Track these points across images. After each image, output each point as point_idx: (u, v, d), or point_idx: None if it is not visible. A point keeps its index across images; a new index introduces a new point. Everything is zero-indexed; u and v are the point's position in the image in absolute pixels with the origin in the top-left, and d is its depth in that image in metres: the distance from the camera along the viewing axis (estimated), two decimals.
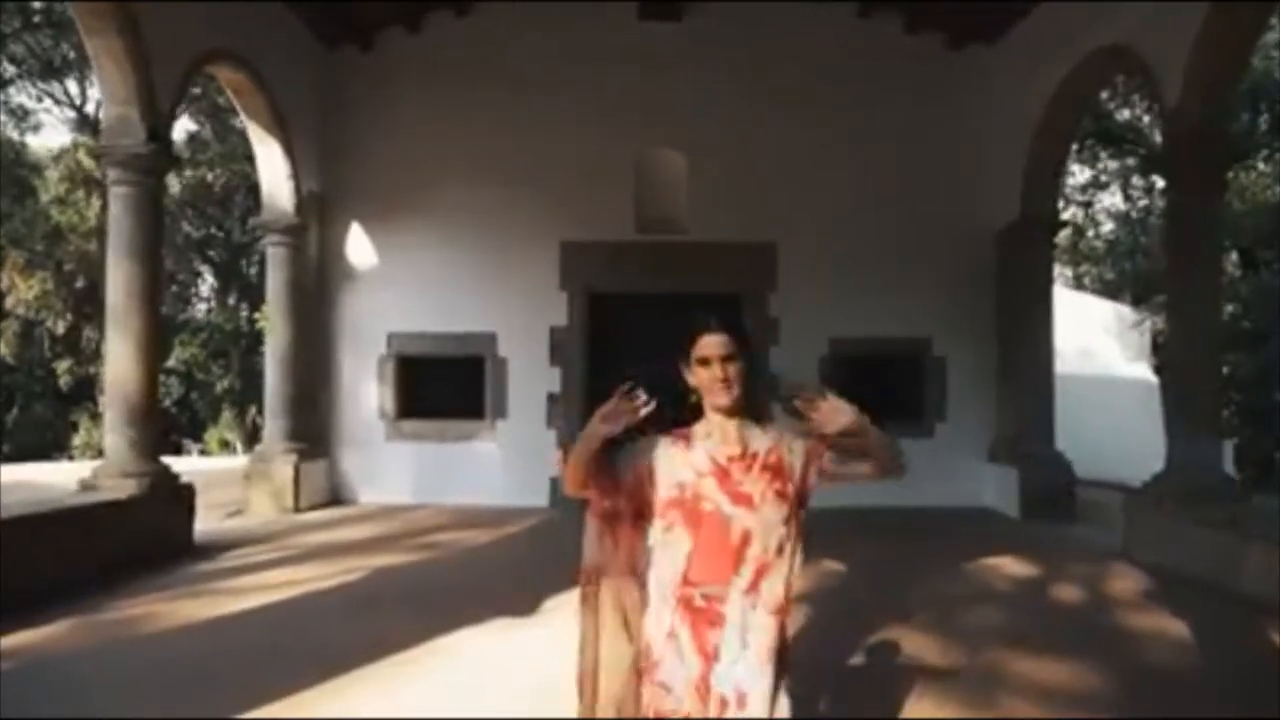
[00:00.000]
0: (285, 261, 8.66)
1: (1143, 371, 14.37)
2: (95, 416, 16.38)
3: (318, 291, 9.09)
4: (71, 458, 16.33)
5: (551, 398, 9.08)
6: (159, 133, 6.18)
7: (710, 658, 1.87)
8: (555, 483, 7.70)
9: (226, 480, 9.14)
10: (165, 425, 12.47)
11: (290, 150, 8.41)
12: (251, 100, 8.00)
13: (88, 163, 16.24)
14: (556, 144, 9.08)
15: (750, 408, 1.96)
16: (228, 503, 8.50)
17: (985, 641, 4.28)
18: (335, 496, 9.06)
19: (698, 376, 1.89)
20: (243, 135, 17.10)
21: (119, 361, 6.08)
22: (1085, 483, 8.84)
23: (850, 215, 9.13)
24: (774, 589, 1.89)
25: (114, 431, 6.08)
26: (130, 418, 6.05)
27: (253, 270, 21.32)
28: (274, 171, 8.51)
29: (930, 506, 8.55)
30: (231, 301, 20.88)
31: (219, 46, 7.12)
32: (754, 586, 1.88)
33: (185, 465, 8.82)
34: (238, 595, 5.16)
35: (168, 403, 16.66)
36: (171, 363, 17.04)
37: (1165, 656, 4.15)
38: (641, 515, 2.12)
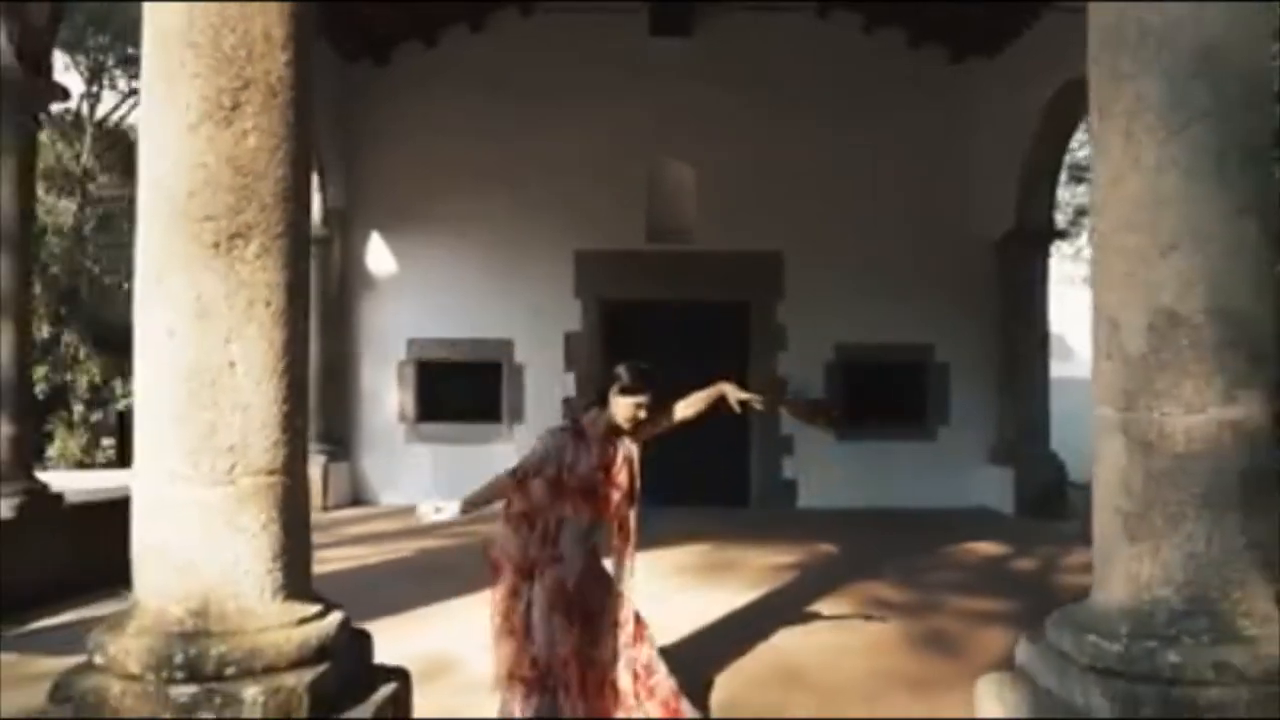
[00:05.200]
0: (311, 272, 10.66)
1: None
2: (71, 426, 18.37)
3: (340, 300, 11.16)
4: (45, 468, 18.27)
5: (567, 401, 11.06)
6: None
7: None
8: None
9: None
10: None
11: (320, 164, 10.45)
12: None
13: (69, 162, 18.39)
14: (570, 156, 11.09)
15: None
16: None
17: (936, 589, 6.31)
18: (356, 497, 11.10)
19: (619, 402, 3.41)
20: None
21: None
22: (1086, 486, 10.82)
23: (855, 225, 11.16)
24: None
25: None
26: None
27: None
28: None
29: (931, 507, 10.59)
30: None
31: None
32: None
33: None
34: None
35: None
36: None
37: (1070, 598, 6.18)
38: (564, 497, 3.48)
